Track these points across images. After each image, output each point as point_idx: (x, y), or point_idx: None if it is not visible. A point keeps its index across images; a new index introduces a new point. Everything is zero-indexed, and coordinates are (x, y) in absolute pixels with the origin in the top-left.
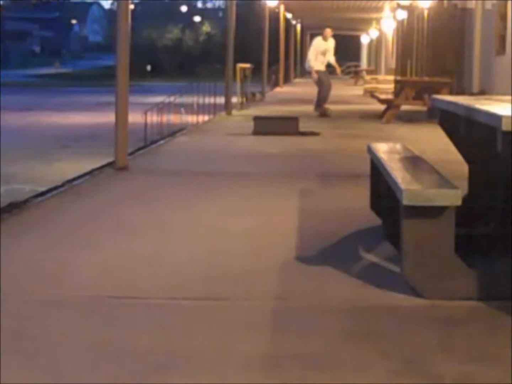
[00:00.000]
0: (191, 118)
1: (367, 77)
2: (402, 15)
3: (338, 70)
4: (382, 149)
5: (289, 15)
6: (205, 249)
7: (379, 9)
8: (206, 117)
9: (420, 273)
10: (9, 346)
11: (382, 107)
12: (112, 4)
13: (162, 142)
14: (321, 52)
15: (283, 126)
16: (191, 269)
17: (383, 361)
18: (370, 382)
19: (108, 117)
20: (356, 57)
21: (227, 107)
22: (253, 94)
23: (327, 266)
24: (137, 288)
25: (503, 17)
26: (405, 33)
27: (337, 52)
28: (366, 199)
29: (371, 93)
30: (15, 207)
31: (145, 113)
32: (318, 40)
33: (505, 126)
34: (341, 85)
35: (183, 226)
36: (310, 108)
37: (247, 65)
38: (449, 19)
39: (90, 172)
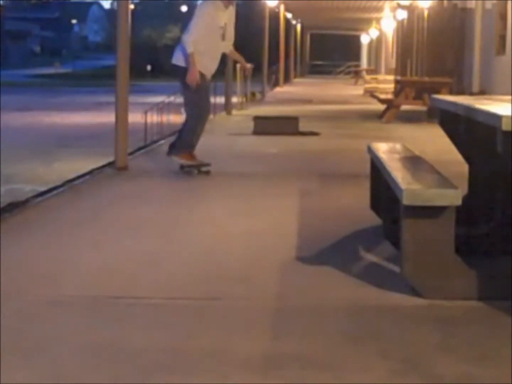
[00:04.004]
0: None
1: (367, 77)
2: (402, 15)
3: (245, 65)
4: (382, 149)
5: (289, 15)
6: (205, 248)
7: (379, 9)
8: None
9: (420, 273)
10: (9, 346)
11: (382, 107)
12: (112, 4)
13: (162, 142)
14: (219, 28)
15: (283, 126)
16: (191, 269)
17: (383, 361)
18: (370, 382)
19: (108, 117)
20: (356, 57)
21: (227, 107)
22: (253, 94)
23: (327, 266)
24: (137, 288)
25: (503, 17)
26: (405, 33)
27: (337, 52)
28: (366, 199)
29: (371, 93)
30: (15, 207)
31: (145, 113)
32: (213, 6)
33: (505, 126)
34: (341, 85)
35: (183, 226)
36: (310, 108)
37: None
38: (449, 19)
39: (90, 172)
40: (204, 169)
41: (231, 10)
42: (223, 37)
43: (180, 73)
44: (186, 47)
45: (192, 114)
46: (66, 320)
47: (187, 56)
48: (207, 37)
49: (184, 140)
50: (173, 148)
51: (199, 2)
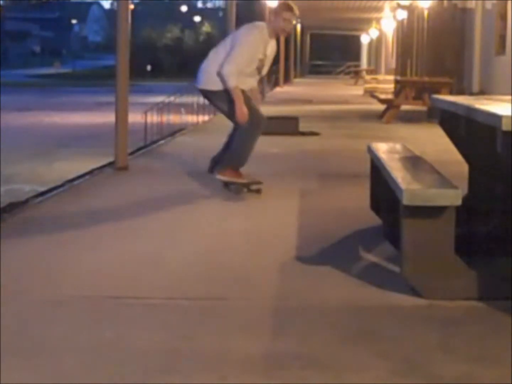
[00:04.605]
0: (191, 118)
1: (367, 77)
2: (402, 15)
3: (258, 96)
4: (382, 149)
5: None
6: (205, 249)
7: (379, 9)
8: (206, 117)
9: (420, 273)
10: (9, 346)
11: (382, 107)
12: (112, 4)
13: (162, 142)
14: (259, 61)
15: (283, 126)
16: (191, 269)
17: (383, 361)
18: (370, 382)
19: (108, 117)
20: (356, 57)
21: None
22: None
23: (327, 266)
24: (137, 288)
25: (503, 17)
26: (405, 33)
27: (337, 52)
28: (366, 199)
29: (371, 93)
30: (15, 207)
31: (145, 113)
32: (259, 35)
33: (505, 126)
34: (341, 85)
35: (183, 226)
36: (310, 108)
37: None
38: (449, 19)
39: (90, 172)
40: (254, 187)
41: (274, 44)
42: (259, 71)
43: (219, 96)
44: (228, 80)
45: (247, 124)
46: (66, 320)
47: (228, 88)
48: (246, 67)
49: (234, 153)
50: (217, 164)
51: (243, 29)
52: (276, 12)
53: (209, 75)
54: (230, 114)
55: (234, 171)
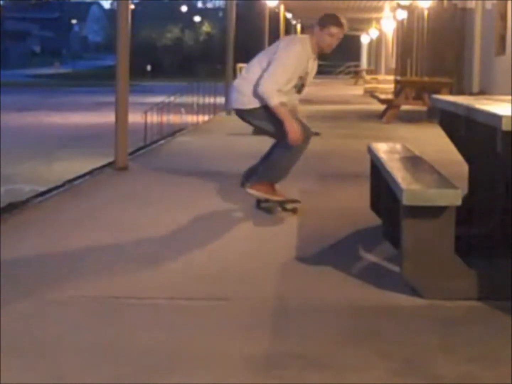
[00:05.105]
0: (191, 118)
1: (367, 77)
2: (402, 15)
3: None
4: (382, 149)
5: (289, 15)
6: (205, 249)
7: (379, 9)
8: (206, 117)
9: (420, 273)
10: (10, 346)
11: (382, 107)
12: (112, 4)
13: (162, 142)
14: (299, 79)
15: None
16: (191, 269)
17: (383, 361)
18: (370, 382)
19: (108, 117)
20: (356, 57)
21: (227, 107)
22: None
23: (327, 266)
24: (137, 288)
25: (503, 17)
26: (405, 33)
27: (337, 52)
28: (366, 199)
29: (371, 93)
30: (15, 207)
31: (145, 113)
32: (302, 49)
33: (505, 126)
34: (341, 85)
35: (183, 226)
36: (310, 108)
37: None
38: (449, 19)
39: (90, 172)
40: (289, 206)
41: (315, 62)
42: (298, 89)
43: (258, 114)
44: (269, 98)
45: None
46: (66, 320)
47: (271, 107)
48: (284, 85)
49: (274, 166)
50: (251, 177)
51: (283, 43)
52: (322, 25)
53: (242, 94)
54: (275, 132)
55: (269, 186)
